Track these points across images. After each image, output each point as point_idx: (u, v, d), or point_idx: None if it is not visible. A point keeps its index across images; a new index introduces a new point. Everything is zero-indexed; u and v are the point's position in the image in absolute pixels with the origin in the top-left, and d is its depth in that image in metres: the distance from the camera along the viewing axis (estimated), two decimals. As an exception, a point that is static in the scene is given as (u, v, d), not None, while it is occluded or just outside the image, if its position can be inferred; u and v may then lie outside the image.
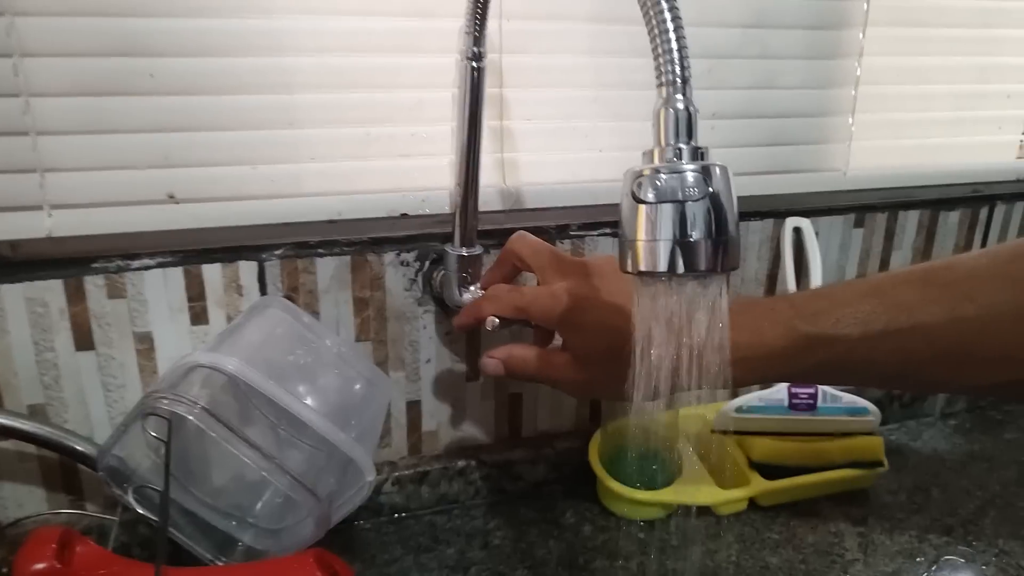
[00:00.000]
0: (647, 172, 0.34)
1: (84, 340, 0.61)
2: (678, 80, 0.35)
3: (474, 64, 0.57)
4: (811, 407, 0.76)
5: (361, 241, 0.65)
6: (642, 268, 0.35)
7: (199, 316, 0.63)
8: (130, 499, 0.51)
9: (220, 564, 0.55)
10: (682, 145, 0.34)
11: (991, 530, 0.71)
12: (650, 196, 0.34)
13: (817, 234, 0.78)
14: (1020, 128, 0.85)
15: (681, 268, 0.34)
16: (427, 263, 0.67)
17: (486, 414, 0.74)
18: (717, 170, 0.34)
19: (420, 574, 0.65)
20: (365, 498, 0.56)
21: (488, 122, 0.62)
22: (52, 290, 0.59)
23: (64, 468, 0.63)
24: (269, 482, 0.54)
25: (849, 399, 0.77)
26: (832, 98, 0.74)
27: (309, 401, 0.56)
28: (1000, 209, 0.87)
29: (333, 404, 0.57)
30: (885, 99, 0.76)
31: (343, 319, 0.67)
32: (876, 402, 0.84)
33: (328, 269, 0.65)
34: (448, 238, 0.65)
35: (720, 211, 0.34)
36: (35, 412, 0.61)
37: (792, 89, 0.72)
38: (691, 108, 0.35)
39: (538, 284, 0.56)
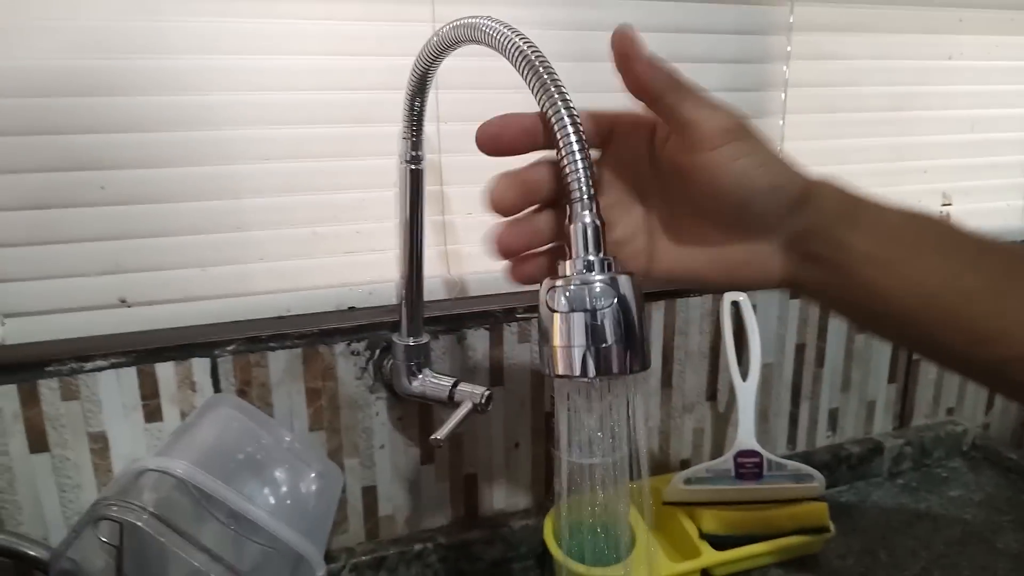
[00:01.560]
0: (559, 283, 0.37)
1: (38, 442, 0.62)
2: (585, 197, 0.38)
3: (412, 166, 0.61)
4: (757, 475, 0.78)
5: (311, 333, 0.67)
6: (559, 372, 0.37)
7: (153, 414, 0.64)
8: None
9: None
10: (591, 257, 0.38)
11: (936, 591, 0.73)
12: (562, 306, 0.37)
13: (755, 307, 0.81)
14: (939, 200, 0.90)
15: (593, 372, 0.37)
16: (377, 351, 0.69)
17: (442, 496, 0.76)
18: (623, 279, 0.37)
19: (377, 663, 0.66)
20: (316, 593, 0.57)
21: (431, 217, 0.66)
22: (6, 395, 0.60)
23: (18, 571, 0.63)
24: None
25: (794, 466, 0.79)
26: (761, 100, 0.78)
27: (262, 497, 0.58)
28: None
29: (284, 500, 0.58)
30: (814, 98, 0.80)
31: (296, 410, 0.68)
32: (825, 464, 0.87)
33: (280, 362, 0.67)
34: (397, 327, 0.67)
35: (628, 317, 0.37)
36: (-12, 516, 0.62)
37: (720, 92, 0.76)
38: (597, 222, 0.38)
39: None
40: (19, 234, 0.57)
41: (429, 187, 0.62)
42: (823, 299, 0.42)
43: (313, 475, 0.62)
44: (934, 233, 0.39)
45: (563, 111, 0.37)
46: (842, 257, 0.38)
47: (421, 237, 0.63)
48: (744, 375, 0.81)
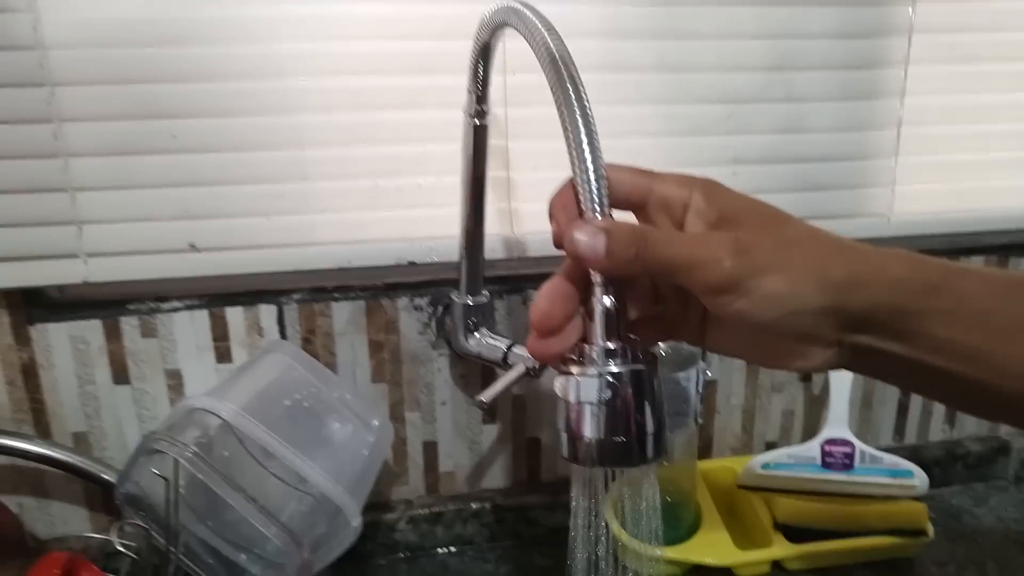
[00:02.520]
0: (574, 370, 0.35)
1: (121, 375, 0.66)
2: (603, 285, 0.35)
3: (477, 121, 0.58)
4: (847, 466, 0.72)
5: (375, 286, 0.67)
6: (567, 456, 0.36)
7: (224, 355, 0.67)
8: (113, 536, 0.55)
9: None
10: (608, 344, 0.35)
11: (1050, 616, 0.65)
12: (571, 395, 0.35)
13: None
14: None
15: (598, 463, 0.35)
16: (440, 308, 0.68)
17: (504, 457, 0.75)
18: (638, 371, 0.35)
19: (426, 615, 0.66)
20: (352, 542, 0.58)
21: (494, 173, 0.63)
22: (92, 329, 0.64)
23: (105, 491, 0.68)
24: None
25: (892, 460, 0.72)
26: (871, 140, 0.70)
27: (304, 445, 0.59)
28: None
29: (329, 450, 0.59)
30: (933, 140, 0.71)
31: (359, 361, 0.69)
32: (937, 461, 0.78)
33: (344, 313, 0.67)
34: (458, 284, 0.66)
35: (640, 411, 0.35)
36: (79, 440, 0.67)
37: (823, 132, 0.69)
38: (614, 305, 0.35)
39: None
40: (100, 178, 0.60)
41: (493, 141, 0.60)
42: (885, 381, 0.38)
43: (363, 429, 0.62)
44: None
45: (589, 167, 0.34)
46: (906, 349, 0.33)
47: (483, 194, 0.61)
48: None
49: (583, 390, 0.34)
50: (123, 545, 0.55)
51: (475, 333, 0.65)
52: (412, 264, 0.66)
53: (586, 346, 0.35)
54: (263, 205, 0.62)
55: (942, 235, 0.74)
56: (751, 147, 0.68)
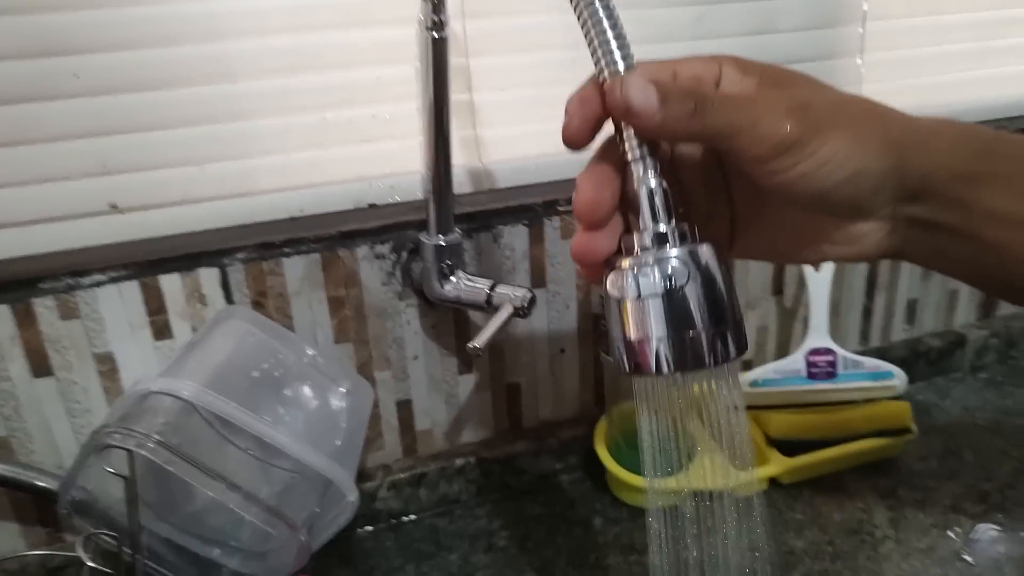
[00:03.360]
0: (626, 263, 0.30)
1: (41, 366, 0.56)
2: (644, 155, 0.30)
3: (435, 34, 0.51)
4: (830, 375, 0.71)
5: (330, 236, 0.60)
6: (634, 370, 0.31)
7: (162, 331, 0.58)
8: (80, 551, 0.47)
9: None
10: (662, 227, 0.30)
11: (1031, 494, 0.67)
12: (631, 291, 0.30)
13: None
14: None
15: (675, 367, 0.30)
16: (404, 254, 0.62)
17: (483, 407, 0.70)
18: (704, 250, 0.30)
19: (421, 584, 0.62)
20: (350, 518, 0.52)
21: (456, 96, 0.57)
22: (0, 316, 0.54)
23: (37, 502, 0.59)
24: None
25: (872, 363, 0.71)
26: (838, 37, 0.67)
27: (282, 419, 0.52)
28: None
29: (308, 420, 0.53)
30: (896, 34, 0.69)
31: (319, 321, 0.62)
32: (902, 360, 0.79)
33: (297, 269, 0.60)
34: (424, 226, 0.60)
35: (714, 295, 0.30)
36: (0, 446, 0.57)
37: (793, 32, 0.65)
38: (663, 184, 0.30)
39: None
40: (-13, 133, 0.50)
41: (453, 59, 0.53)
42: (936, 267, 0.34)
43: (339, 391, 0.56)
44: None
45: (611, 38, 0.30)
46: (963, 220, 0.31)
47: (447, 120, 0.54)
48: (816, 264, 0.72)
49: (643, 282, 0.30)
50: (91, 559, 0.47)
51: (451, 277, 0.60)
52: (372, 207, 0.59)
53: (635, 235, 0.30)
54: (193, 152, 0.54)
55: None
56: (722, 51, 0.64)
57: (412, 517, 0.69)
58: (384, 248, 0.61)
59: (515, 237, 0.64)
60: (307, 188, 0.57)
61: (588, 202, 0.31)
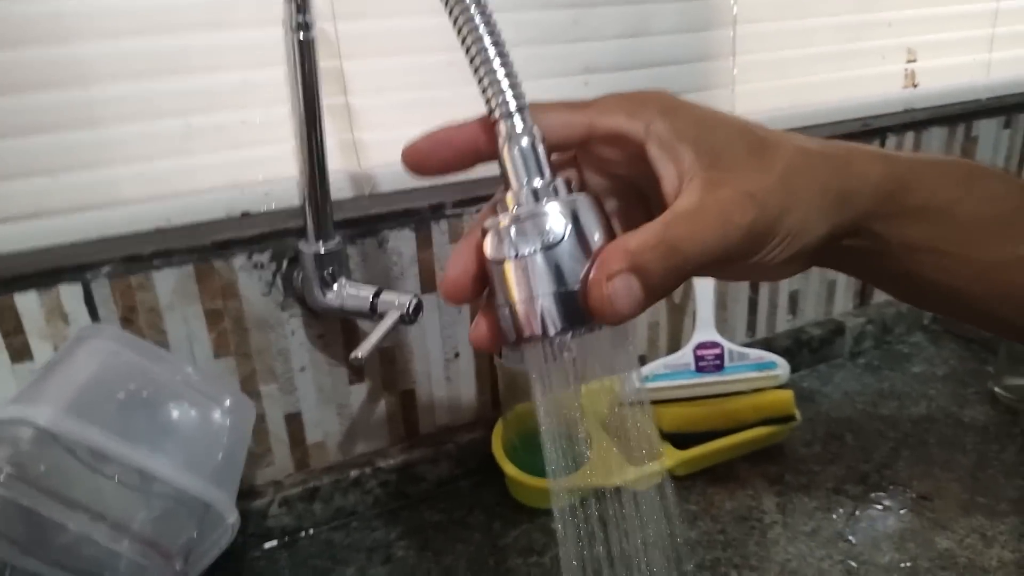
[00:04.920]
0: (502, 223, 0.29)
1: None
2: (512, 109, 0.29)
3: (300, 35, 0.50)
4: (718, 367, 0.73)
5: (203, 247, 0.57)
6: (525, 335, 0.29)
7: (20, 353, 0.54)
8: None
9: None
10: (536, 182, 0.29)
11: (906, 472, 0.70)
12: (508, 250, 0.28)
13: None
14: (903, 57, 0.82)
15: (561, 326, 0.28)
16: (284, 262, 0.60)
17: (377, 416, 0.68)
18: (582, 200, 0.29)
19: (317, 602, 0.60)
20: (230, 540, 0.50)
21: (330, 100, 0.55)
22: None
23: None
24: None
25: (756, 355, 0.74)
26: (711, 40, 0.69)
27: (153, 441, 0.49)
28: (891, 141, 0.85)
29: (184, 441, 0.50)
30: (765, 37, 0.72)
31: (196, 336, 0.59)
32: (786, 350, 0.82)
33: (168, 283, 0.57)
34: (303, 232, 0.58)
35: (594, 246, 0.28)
36: None
37: (667, 34, 0.67)
38: (535, 137, 0.29)
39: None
40: None
41: (325, 62, 0.52)
42: (857, 276, 0.36)
43: (218, 409, 0.53)
44: (993, 201, 0.33)
45: (501, 77, 0.29)
46: (879, 249, 0.33)
47: (320, 123, 0.53)
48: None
49: (519, 239, 0.28)
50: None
51: (333, 285, 0.58)
52: (245, 215, 0.57)
53: (509, 193, 0.29)
54: (45, 161, 0.50)
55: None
56: (601, 54, 0.65)
57: (307, 533, 0.66)
58: (263, 257, 0.59)
59: (401, 242, 0.63)
60: (174, 197, 0.54)
61: (451, 282, 0.30)
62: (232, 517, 0.49)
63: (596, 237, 0.28)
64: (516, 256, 0.28)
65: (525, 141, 0.29)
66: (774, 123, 0.73)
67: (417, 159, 0.30)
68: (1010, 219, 0.33)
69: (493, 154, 0.30)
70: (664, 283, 0.27)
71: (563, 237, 0.28)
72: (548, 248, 0.28)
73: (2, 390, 0.54)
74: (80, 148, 0.51)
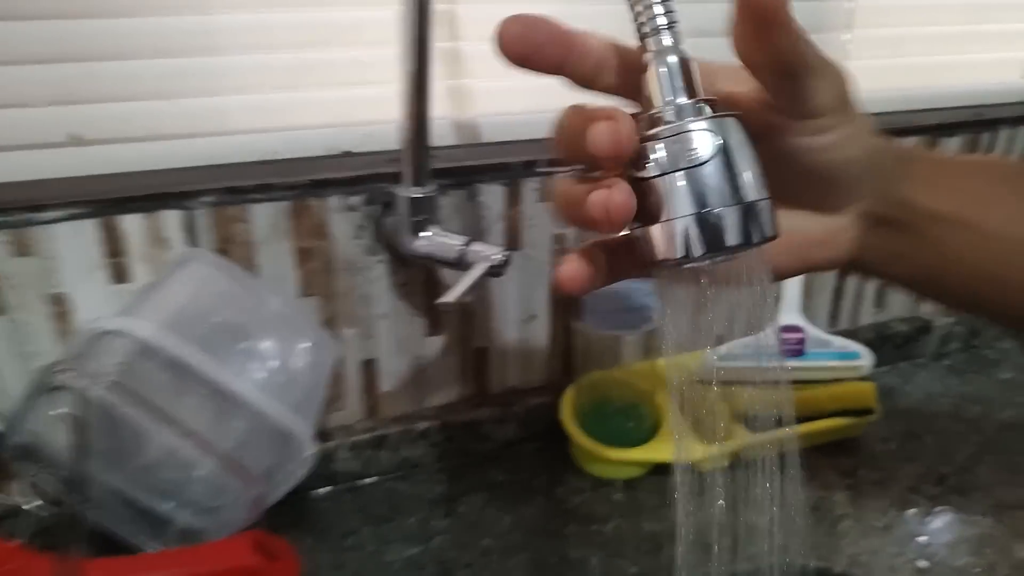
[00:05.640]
0: (644, 141, 0.27)
1: (-10, 303, 0.54)
2: (665, 26, 0.28)
3: (417, -25, 0.50)
4: (799, 352, 0.71)
5: (301, 184, 0.58)
6: (659, 257, 0.28)
7: (121, 274, 0.56)
8: (19, 498, 0.45)
9: (151, 550, 0.50)
10: (682, 99, 0.28)
11: (986, 478, 0.68)
12: (650, 167, 0.27)
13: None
14: (1018, 71, 0.78)
15: (701, 250, 0.27)
16: (378, 207, 0.60)
17: (449, 371, 0.69)
18: (729, 122, 0.27)
19: (378, 547, 0.60)
20: (306, 472, 0.51)
21: (439, 43, 0.55)
22: (-53, 249, 0.52)
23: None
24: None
25: (840, 343, 0.72)
26: (826, 10, 0.67)
27: (243, 367, 0.50)
28: (1004, 134, 0.81)
29: (268, 371, 0.51)
30: (886, 11, 0.68)
31: (285, 273, 0.60)
32: (868, 343, 0.79)
33: (265, 217, 0.58)
34: (399, 178, 0.58)
35: (743, 171, 0.27)
36: (-60, 385, 0.54)
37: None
38: (684, 55, 0.28)
39: None
40: (-62, 51, 0.47)
41: (439, 4, 0.51)
42: (894, 275, 0.36)
43: (302, 345, 0.54)
44: (1003, 179, 0.34)
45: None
46: (908, 218, 0.34)
47: (428, 68, 0.53)
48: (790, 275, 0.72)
49: (668, 155, 0.27)
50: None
51: (424, 232, 0.58)
52: (347, 154, 0.57)
53: (653, 110, 0.28)
54: (161, 85, 0.51)
55: (886, 113, 0.72)
56: (713, 17, 0.62)
57: (371, 479, 0.67)
58: (357, 200, 0.59)
59: (491, 196, 0.63)
60: (279, 131, 0.55)
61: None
62: (310, 449, 0.50)
63: (743, 160, 0.27)
64: (662, 173, 0.27)
65: (673, 57, 0.28)
66: (884, 103, 0.72)
67: (515, 35, 0.28)
68: None
69: (585, 71, 0.29)
70: (791, 28, 0.27)
71: (709, 157, 0.27)
72: (692, 168, 0.27)
73: (101, 307, 0.56)
74: (195, 74, 0.52)
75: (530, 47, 0.28)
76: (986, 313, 0.37)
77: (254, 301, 0.54)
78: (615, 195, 0.27)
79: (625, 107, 0.31)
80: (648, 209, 0.27)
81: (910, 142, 0.76)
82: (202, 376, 0.47)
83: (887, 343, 0.84)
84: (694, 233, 0.27)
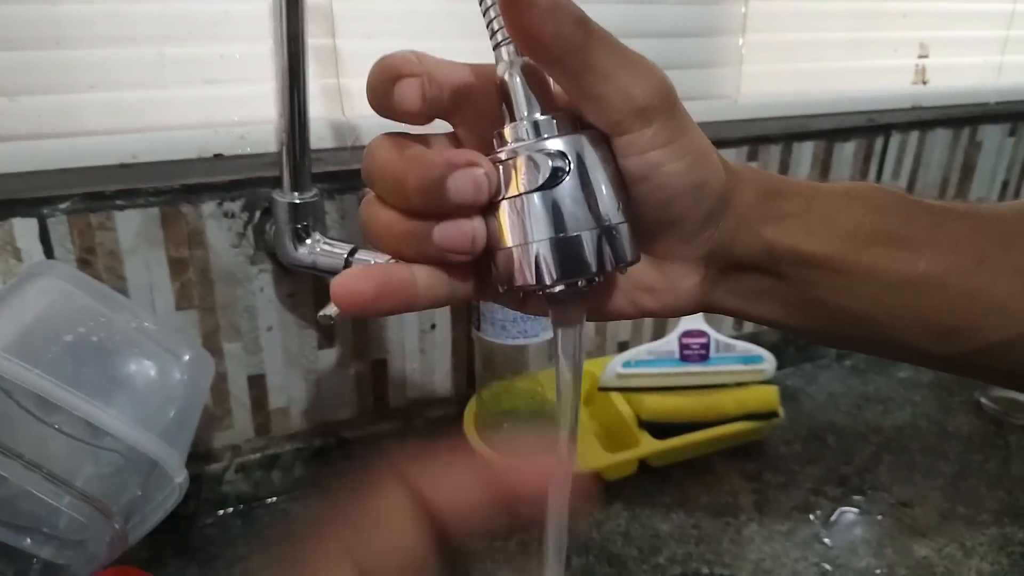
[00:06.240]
0: (502, 156, 0.25)
1: None
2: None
3: (289, -34, 0.47)
4: (703, 357, 0.71)
5: (171, 189, 0.54)
6: (514, 283, 0.26)
7: (-35, 288, 0.51)
8: None
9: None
10: (537, 116, 0.26)
11: (887, 477, 0.68)
12: (504, 189, 0.25)
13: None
14: (915, 51, 0.80)
15: (555, 275, 0.25)
16: (257, 213, 0.57)
17: (345, 384, 0.65)
18: (586, 139, 0.25)
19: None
20: (176, 502, 0.47)
21: (316, 40, 0.52)
22: None
23: None
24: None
25: (743, 347, 0.71)
26: (720, 15, 0.66)
27: (102, 391, 0.46)
28: (895, 139, 0.83)
29: (134, 393, 0.47)
30: (777, 16, 0.69)
31: (158, 284, 0.56)
32: (772, 346, 0.79)
33: (131, 225, 0.53)
34: (278, 183, 0.54)
35: (601, 190, 0.25)
36: None
37: (676, 3, 0.64)
38: (535, 66, 0.26)
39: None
40: None
41: (313, 0, 0.48)
42: (752, 317, 0.32)
43: (173, 363, 0.50)
44: (878, 213, 0.31)
45: None
46: (770, 262, 0.30)
47: (303, 64, 0.49)
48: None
49: (521, 175, 0.25)
50: None
51: (306, 240, 0.55)
52: (218, 157, 0.53)
53: (507, 127, 0.26)
54: (4, 79, 0.47)
55: (781, 118, 0.73)
56: (604, 19, 0.61)
57: (264, 501, 0.63)
58: (234, 206, 0.56)
59: (382, 202, 0.60)
60: (143, 131, 0.50)
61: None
62: (180, 477, 0.46)
63: (601, 180, 0.25)
64: (511, 195, 0.25)
65: (523, 66, 0.26)
66: (778, 108, 0.72)
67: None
68: (901, 233, 0.30)
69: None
70: (567, 37, 0.24)
71: (563, 177, 0.25)
72: (546, 188, 0.25)
73: (-57, 326, 0.50)
74: (42, 69, 0.47)
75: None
76: (858, 350, 0.34)
77: (117, 316, 0.49)
78: (476, 225, 0.25)
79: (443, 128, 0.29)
80: (502, 231, 0.25)
81: (806, 148, 0.77)
82: (52, 403, 0.42)
83: (790, 345, 0.84)
84: (549, 258, 0.25)
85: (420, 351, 0.67)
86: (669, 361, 0.70)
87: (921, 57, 0.79)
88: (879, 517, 0.63)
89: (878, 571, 0.58)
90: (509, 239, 0.25)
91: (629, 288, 0.30)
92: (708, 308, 0.31)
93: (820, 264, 0.30)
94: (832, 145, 0.79)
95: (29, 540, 0.48)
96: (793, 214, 0.30)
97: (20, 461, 0.40)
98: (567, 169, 0.25)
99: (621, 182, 0.26)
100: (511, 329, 0.61)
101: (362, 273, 0.26)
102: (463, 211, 0.25)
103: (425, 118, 0.26)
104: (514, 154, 0.25)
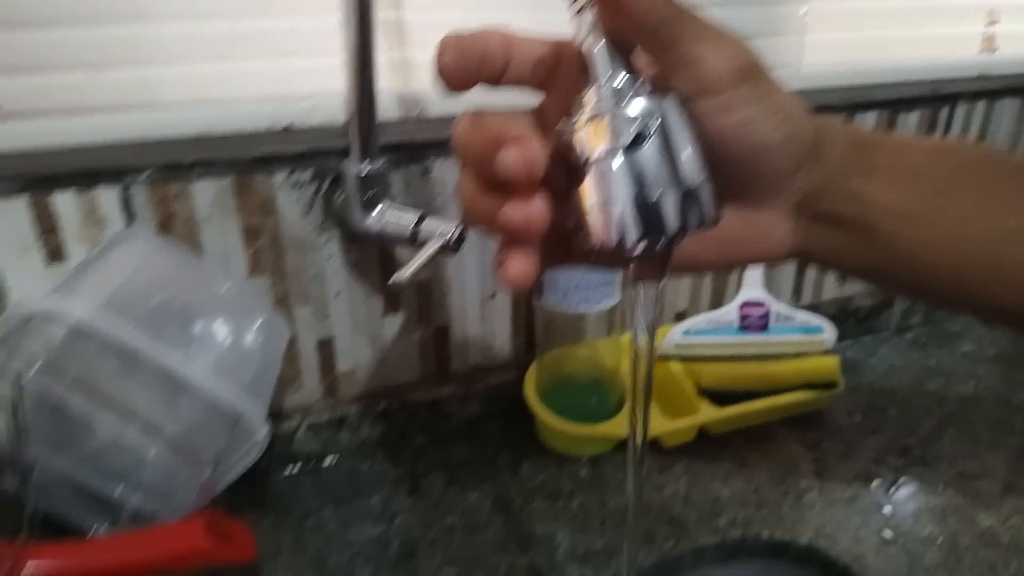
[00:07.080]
0: (579, 122, 0.26)
1: (-85, 288, 0.51)
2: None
3: (359, -62, 0.48)
4: (763, 327, 0.71)
5: (244, 160, 0.55)
6: (595, 244, 0.26)
7: (56, 253, 0.54)
8: None
9: (101, 534, 0.48)
10: (619, 77, 0.26)
11: (949, 449, 0.68)
12: (583, 153, 0.26)
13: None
14: (983, 19, 0.78)
15: (636, 235, 0.26)
16: (326, 183, 0.58)
17: (409, 349, 0.67)
18: (668, 102, 0.26)
19: (340, 527, 0.59)
20: (259, 454, 0.49)
21: (384, 13, 0.53)
22: None
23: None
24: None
25: (803, 318, 0.71)
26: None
27: (188, 348, 0.48)
28: (961, 109, 0.80)
29: (216, 353, 0.49)
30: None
31: (232, 252, 0.58)
32: (831, 318, 0.79)
33: (207, 194, 0.55)
34: (346, 153, 0.56)
35: (681, 153, 0.26)
36: None
37: (738, -29, 0.63)
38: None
39: None
40: None
41: (381, -29, 0.49)
42: (841, 267, 0.33)
43: (251, 324, 0.52)
44: (967, 168, 0.31)
45: None
46: (859, 213, 0.31)
47: (372, 37, 0.51)
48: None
49: (603, 137, 0.26)
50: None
51: (374, 209, 0.56)
52: (288, 129, 0.55)
53: (588, 91, 0.26)
54: (87, 54, 0.49)
55: (844, 88, 0.72)
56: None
57: (332, 460, 0.66)
58: (304, 176, 0.57)
59: (447, 171, 0.61)
60: (216, 104, 0.52)
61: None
62: (262, 431, 0.48)
63: (682, 141, 0.26)
64: (593, 159, 0.26)
65: (608, 34, 0.26)
66: (841, 78, 0.70)
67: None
68: (989, 189, 0.31)
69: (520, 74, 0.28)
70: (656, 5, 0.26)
71: (646, 139, 0.25)
72: (629, 149, 0.25)
73: (36, 289, 0.53)
74: (123, 43, 0.49)
75: (469, 76, 0.27)
76: (945, 305, 0.34)
77: (198, 280, 0.52)
78: (533, 208, 0.26)
79: (535, 98, 0.30)
80: (585, 192, 0.26)
81: (869, 118, 0.75)
82: (145, 358, 0.45)
83: (850, 317, 0.83)
84: (630, 218, 0.25)
85: (481, 318, 0.68)
86: (729, 331, 0.70)
87: (990, 24, 0.77)
88: (942, 487, 0.63)
89: (940, 539, 0.58)
90: (592, 199, 0.26)
91: (720, 239, 0.31)
92: (797, 256, 0.32)
93: (906, 216, 0.31)
94: (895, 115, 0.77)
95: (119, 488, 0.51)
96: (882, 167, 0.31)
97: (116, 412, 0.43)
98: (650, 131, 0.25)
99: (701, 144, 0.27)
100: (572, 297, 0.62)
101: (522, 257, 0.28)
102: (521, 187, 0.26)
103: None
104: (596, 117, 0.26)
